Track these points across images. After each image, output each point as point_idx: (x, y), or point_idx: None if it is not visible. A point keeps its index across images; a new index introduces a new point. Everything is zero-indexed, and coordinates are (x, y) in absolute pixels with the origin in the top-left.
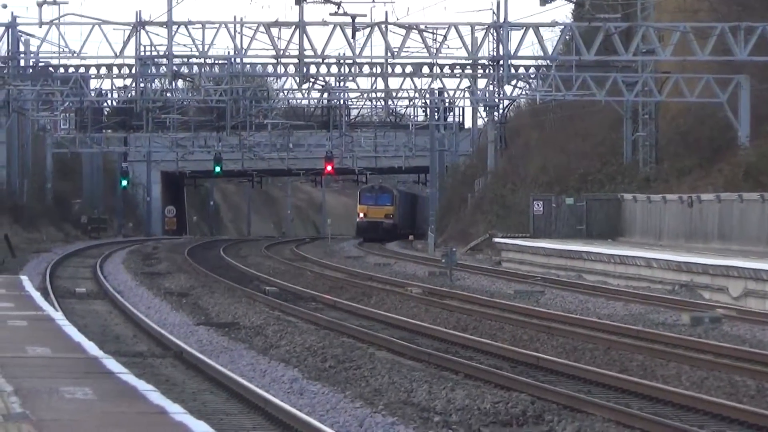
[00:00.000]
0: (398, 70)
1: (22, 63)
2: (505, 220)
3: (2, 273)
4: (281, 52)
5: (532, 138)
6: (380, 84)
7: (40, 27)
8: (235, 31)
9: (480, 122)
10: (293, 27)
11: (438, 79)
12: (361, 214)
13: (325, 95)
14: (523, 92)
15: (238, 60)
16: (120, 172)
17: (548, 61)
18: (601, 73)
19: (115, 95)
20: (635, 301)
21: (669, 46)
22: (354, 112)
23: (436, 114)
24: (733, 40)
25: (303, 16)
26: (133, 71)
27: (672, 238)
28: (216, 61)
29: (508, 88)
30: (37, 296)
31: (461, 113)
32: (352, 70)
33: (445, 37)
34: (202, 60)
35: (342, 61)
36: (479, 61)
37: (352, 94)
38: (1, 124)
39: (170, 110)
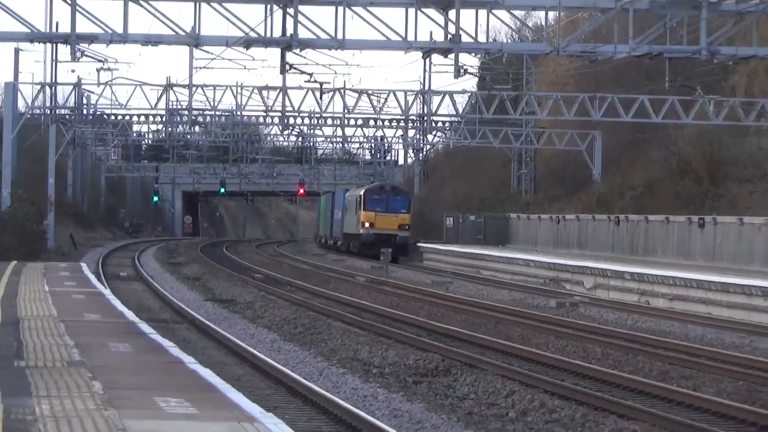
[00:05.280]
0: (352, 122)
1: (84, 112)
2: (426, 231)
3: (68, 261)
4: (269, 107)
5: (446, 172)
6: (339, 132)
7: (98, 86)
8: (236, 92)
9: (409, 160)
10: (278, 90)
11: (380, 129)
12: (366, 224)
13: (300, 139)
14: (441, 140)
15: (238, 112)
16: (153, 191)
17: (459, 118)
18: (496, 127)
19: (150, 136)
20: (517, 290)
21: (545, 108)
22: (320, 152)
23: (378, 154)
24: (591, 106)
25: (285, 82)
26: (164, 119)
27: (544, 246)
28: (223, 113)
29: (430, 137)
30: (92, 278)
31: (396, 154)
32: (319, 121)
33: (386, 99)
34: (213, 112)
35: (312, 115)
36: (410, 117)
37: (319, 139)
38: (69, 155)
39: (189, 147)
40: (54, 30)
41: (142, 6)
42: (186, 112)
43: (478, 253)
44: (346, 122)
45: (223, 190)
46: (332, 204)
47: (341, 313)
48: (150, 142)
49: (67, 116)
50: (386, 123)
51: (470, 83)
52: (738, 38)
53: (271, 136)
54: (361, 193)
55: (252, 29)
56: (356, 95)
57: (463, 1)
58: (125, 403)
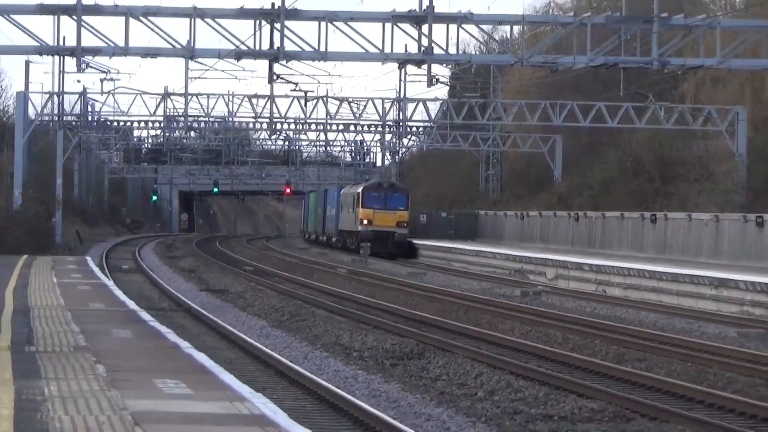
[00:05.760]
0: (334, 127)
1: (89, 118)
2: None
3: (74, 255)
4: (258, 114)
5: (420, 173)
6: (322, 136)
7: (102, 95)
8: (228, 99)
9: (387, 162)
10: (266, 98)
11: (360, 134)
12: (365, 221)
13: (286, 143)
14: (415, 143)
15: (230, 119)
16: (152, 191)
17: (431, 123)
18: (466, 131)
19: (150, 140)
20: (485, 280)
21: (510, 114)
22: (305, 154)
23: (358, 156)
24: (552, 112)
25: (273, 91)
26: (162, 125)
27: (510, 240)
28: (216, 119)
29: (405, 141)
30: (97, 270)
31: (374, 156)
32: (304, 126)
33: (365, 106)
34: (207, 118)
35: (297, 120)
36: (387, 123)
37: (304, 142)
38: (75, 159)
39: (185, 151)
40: (61, 44)
41: (141, 22)
42: (182, 119)
43: (449, 247)
44: (328, 127)
45: (216, 189)
46: (324, 201)
47: (324, 301)
48: (149, 145)
49: (74, 123)
50: (365, 128)
51: (442, 91)
52: (686, 50)
53: (260, 141)
54: (360, 190)
55: (242, 42)
56: (338, 103)
57: (435, 16)
58: (127, 384)
